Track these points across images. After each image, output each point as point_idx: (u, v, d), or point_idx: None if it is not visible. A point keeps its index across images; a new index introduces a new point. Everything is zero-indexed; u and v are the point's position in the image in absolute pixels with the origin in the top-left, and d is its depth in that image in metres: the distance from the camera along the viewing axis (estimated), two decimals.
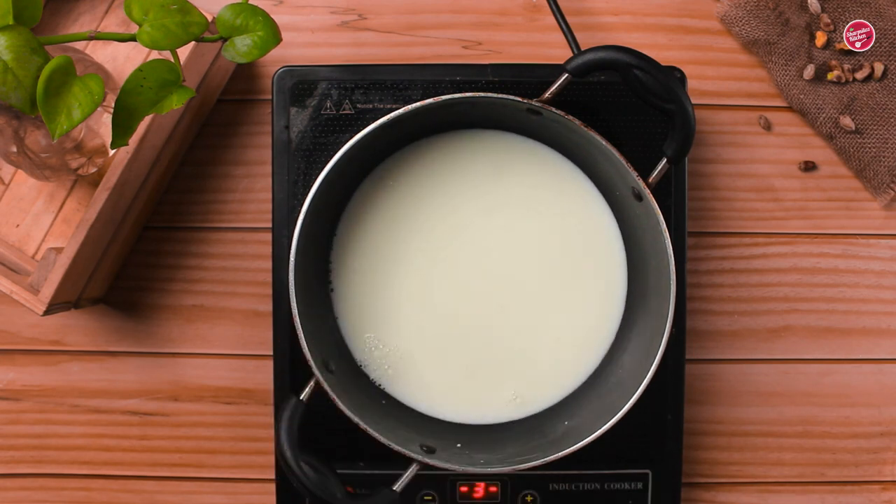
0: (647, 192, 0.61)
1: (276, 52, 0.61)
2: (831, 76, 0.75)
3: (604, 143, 0.61)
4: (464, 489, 0.70)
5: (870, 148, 0.75)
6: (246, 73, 0.77)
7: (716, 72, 0.77)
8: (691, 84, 0.73)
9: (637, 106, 0.67)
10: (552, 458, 0.62)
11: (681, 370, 0.70)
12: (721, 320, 0.77)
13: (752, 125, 0.77)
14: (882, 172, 0.75)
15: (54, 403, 0.77)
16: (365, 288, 0.69)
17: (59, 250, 0.68)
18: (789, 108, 0.77)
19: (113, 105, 0.56)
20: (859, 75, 0.74)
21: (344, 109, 0.69)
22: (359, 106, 0.69)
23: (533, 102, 0.61)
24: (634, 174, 0.61)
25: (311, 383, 0.62)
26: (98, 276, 0.73)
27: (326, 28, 0.77)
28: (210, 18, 0.61)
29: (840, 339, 0.77)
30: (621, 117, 0.69)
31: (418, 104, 0.61)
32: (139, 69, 0.56)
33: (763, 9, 0.74)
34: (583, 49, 0.62)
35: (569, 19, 0.71)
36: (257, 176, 0.77)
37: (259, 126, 0.77)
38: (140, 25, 0.56)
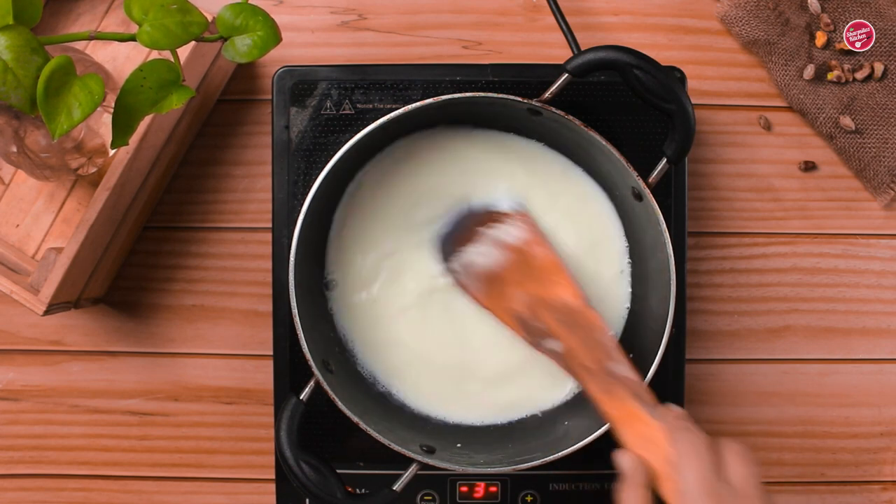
0: (647, 192, 0.61)
1: (276, 52, 0.61)
2: (831, 76, 0.75)
3: (604, 143, 0.61)
4: (464, 489, 0.70)
5: (870, 148, 0.75)
6: (246, 73, 0.77)
7: (716, 72, 0.77)
8: (691, 84, 0.73)
9: (637, 106, 0.67)
10: (552, 458, 0.62)
11: (681, 370, 0.70)
12: (721, 320, 0.77)
13: (752, 125, 0.77)
14: (882, 172, 0.75)
15: (54, 403, 0.77)
16: (365, 288, 0.69)
17: (59, 250, 0.68)
18: (789, 108, 0.77)
19: (113, 105, 0.56)
20: (859, 75, 0.74)
21: (344, 109, 0.69)
22: (359, 106, 0.69)
23: (533, 102, 0.61)
24: (634, 174, 0.61)
25: (311, 383, 0.62)
26: (98, 276, 0.73)
27: (326, 28, 0.77)
28: (210, 18, 0.61)
29: (840, 339, 0.77)
30: (621, 117, 0.69)
31: (418, 104, 0.61)
32: (139, 69, 0.56)
33: (763, 9, 0.75)
34: (583, 49, 0.62)
35: (569, 19, 0.71)
36: (257, 176, 0.77)
37: (259, 126, 0.77)
38: (140, 25, 0.56)
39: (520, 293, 0.64)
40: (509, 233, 0.66)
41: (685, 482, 0.51)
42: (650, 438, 0.54)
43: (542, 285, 0.63)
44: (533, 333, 0.63)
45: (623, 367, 0.58)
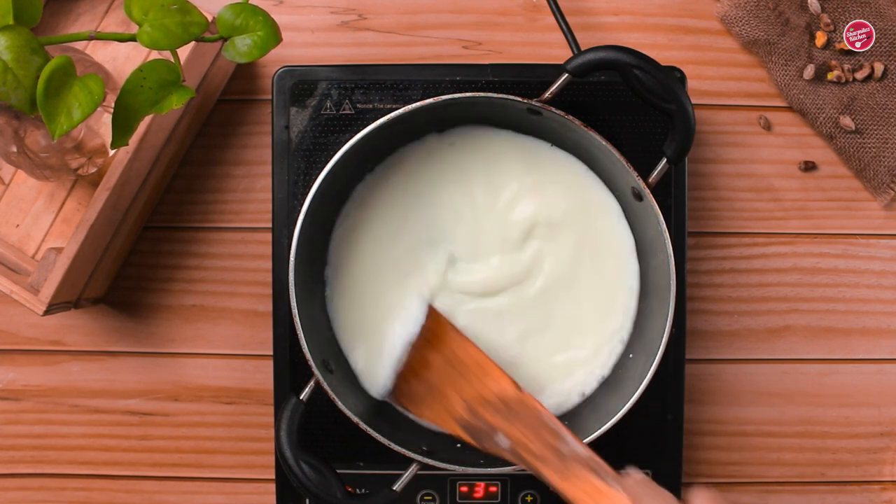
0: (647, 192, 0.61)
1: (276, 52, 0.61)
2: (831, 76, 0.75)
3: (604, 143, 0.61)
4: (464, 489, 0.70)
5: (870, 148, 0.75)
6: (246, 73, 0.77)
7: (716, 72, 0.77)
8: (691, 84, 0.73)
9: (637, 106, 0.67)
10: None
11: (681, 370, 0.70)
12: (721, 320, 0.77)
13: (752, 125, 0.77)
14: (882, 172, 0.75)
15: (54, 403, 0.77)
16: (365, 287, 0.68)
17: (59, 250, 0.68)
18: (789, 108, 0.77)
19: (113, 105, 0.56)
20: (859, 75, 0.74)
21: (344, 109, 0.69)
22: (359, 106, 0.69)
23: (533, 102, 0.61)
24: (634, 174, 0.61)
25: (311, 383, 0.62)
26: (98, 276, 0.73)
27: (326, 28, 0.77)
28: (210, 18, 0.61)
29: (840, 339, 0.77)
30: (621, 117, 0.69)
31: (418, 104, 0.61)
32: (139, 69, 0.56)
33: (763, 9, 0.75)
34: (583, 49, 0.62)
35: (569, 19, 0.71)
36: (257, 176, 0.77)
37: (259, 126, 0.77)
38: (140, 25, 0.56)
39: (455, 397, 0.63)
40: (427, 339, 0.65)
41: None
42: None
43: (472, 383, 0.62)
44: (479, 435, 0.61)
45: (573, 445, 0.57)
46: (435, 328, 0.65)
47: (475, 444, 0.61)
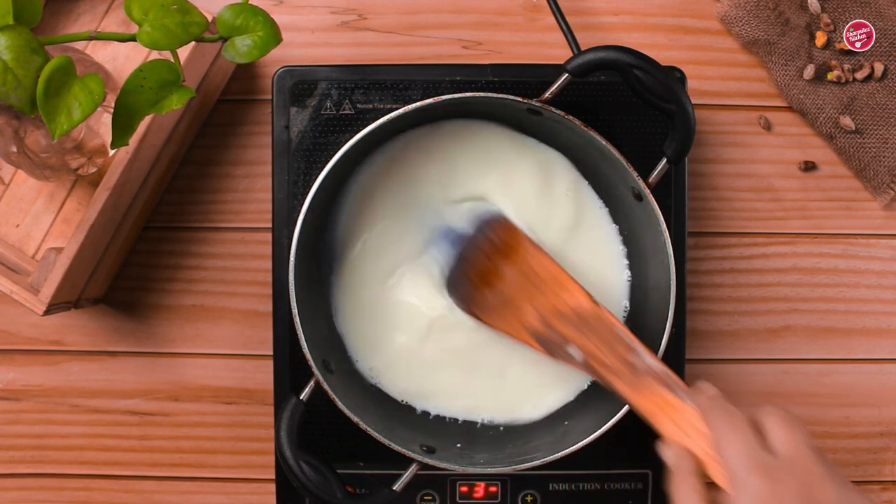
0: (647, 192, 0.61)
1: (276, 52, 0.61)
2: (831, 76, 0.75)
3: (604, 143, 0.61)
4: (464, 489, 0.70)
5: (870, 148, 0.75)
6: (246, 73, 0.77)
7: (716, 72, 0.77)
8: (691, 84, 0.73)
9: (637, 106, 0.67)
10: (552, 458, 0.62)
11: (681, 370, 0.70)
12: (721, 320, 0.77)
13: (752, 125, 0.77)
14: (882, 172, 0.75)
15: (54, 403, 0.77)
16: (365, 287, 0.68)
17: (59, 250, 0.68)
18: (789, 108, 0.77)
19: (113, 105, 0.56)
20: (859, 75, 0.74)
21: (344, 109, 0.69)
22: (359, 106, 0.69)
23: (533, 102, 0.61)
24: (634, 174, 0.61)
25: (311, 383, 0.62)
26: (98, 276, 0.73)
27: (326, 28, 0.77)
28: (210, 18, 0.61)
29: (840, 339, 0.77)
30: (621, 117, 0.69)
31: (418, 104, 0.61)
32: (139, 69, 0.56)
33: (763, 9, 0.75)
34: (583, 49, 0.62)
35: (569, 19, 0.71)
36: (257, 176, 0.77)
37: (259, 126, 0.77)
38: (140, 25, 0.56)
39: (528, 308, 0.63)
40: (501, 251, 0.65)
41: (729, 462, 0.49)
42: (687, 425, 0.52)
43: (547, 295, 0.63)
44: (550, 346, 0.62)
45: (646, 358, 0.57)
46: (510, 241, 0.65)
47: (546, 354, 0.62)
